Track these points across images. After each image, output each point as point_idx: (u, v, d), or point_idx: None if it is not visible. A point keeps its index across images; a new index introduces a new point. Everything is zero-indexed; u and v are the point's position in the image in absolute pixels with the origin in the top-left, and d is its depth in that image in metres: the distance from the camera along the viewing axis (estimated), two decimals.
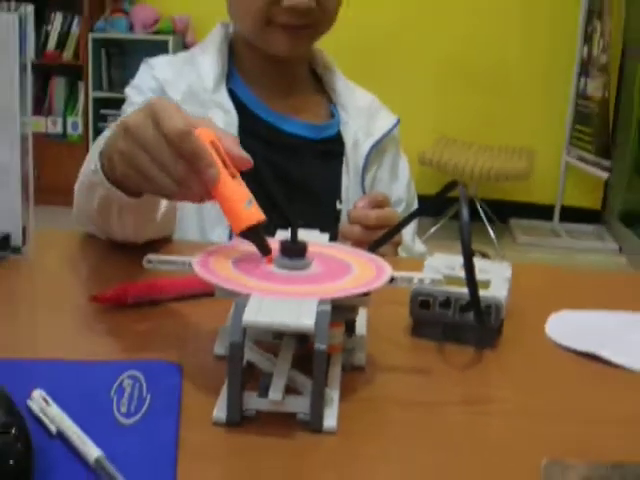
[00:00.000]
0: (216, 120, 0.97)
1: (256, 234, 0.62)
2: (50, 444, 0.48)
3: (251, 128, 1.06)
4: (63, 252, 0.89)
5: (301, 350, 0.57)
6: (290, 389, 0.54)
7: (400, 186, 1.18)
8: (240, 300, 0.53)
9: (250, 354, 0.58)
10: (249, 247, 0.63)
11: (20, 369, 0.58)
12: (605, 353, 0.67)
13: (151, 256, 0.63)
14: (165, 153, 0.62)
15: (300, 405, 0.53)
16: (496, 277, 0.71)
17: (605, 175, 3.86)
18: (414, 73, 4.24)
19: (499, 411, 0.58)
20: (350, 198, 1.09)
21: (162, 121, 0.62)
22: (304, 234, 0.63)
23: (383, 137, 1.14)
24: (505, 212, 4.32)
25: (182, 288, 0.74)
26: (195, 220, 1.03)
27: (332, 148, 1.12)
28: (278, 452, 0.50)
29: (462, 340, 0.68)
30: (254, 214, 0.62)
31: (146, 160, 0.64)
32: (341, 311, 0.57)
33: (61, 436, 0.49)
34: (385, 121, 1.16)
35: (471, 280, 0.62)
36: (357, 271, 0.62)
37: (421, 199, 1.19)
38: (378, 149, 1.14)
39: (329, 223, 1.03)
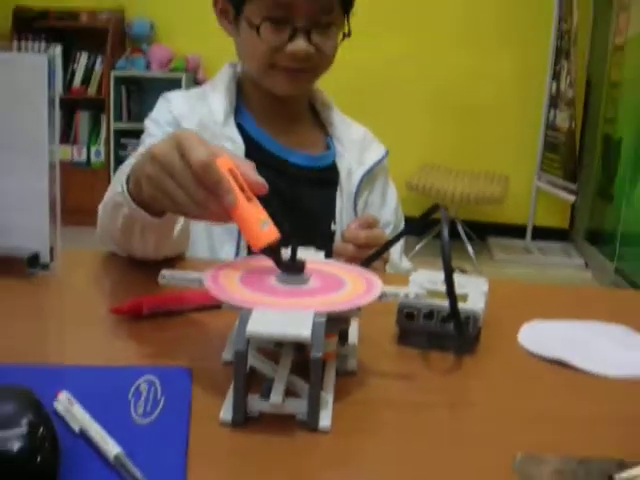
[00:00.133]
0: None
1: (273, 251, 0.62)
2: (74, 442, 0.48)
3: (256, 158, 1.06)
4: (87, 269, 0.89)
5: (299, 357, 0.57)
6: (290, 392, 0.54)
7: (388, 210, 1.18)
8: (244, 313, 0.53)
9: (253, 361, 0.58)
10: (255, 263, 0.64)
11: (48, 374, 0.58)
12: (572, 360, 0.67)
13: (165, 272, 0.63)
14: (189, 181, 0.62)
15: (299, 407, 0.53)
16: (474, 291, 0.72)
17: (572, 198, 3.87)
18: (402, 109, 4.26)
19: (478, 411, 0.58)
20: (344, 220, 1.09)
21: (187, 151, 0.62)
22: (302, 252, 0.63)
23: (374, 166, 1.14)
24: (483, 232, 4.32)
25: (193, 301, 0.74)
26: (205, 239, 1.03)
27: (328, 176, 1.12)
28: (279, 449, 0.50)
29: (444, 348, 0.68)
30: (270, 234, 0.62)
31: (172, 186, 0.64)
32: (335, 322, 0.57)
33: (83, 434, 0.49)
34: (375, 152, 1.17)
35: (451, 294, 0.63)
36: (350, 285, 0.62)
37: (407, 220, 1.20)
38: (369, 177, 1.14)
39: (325, 242, 1.03)
